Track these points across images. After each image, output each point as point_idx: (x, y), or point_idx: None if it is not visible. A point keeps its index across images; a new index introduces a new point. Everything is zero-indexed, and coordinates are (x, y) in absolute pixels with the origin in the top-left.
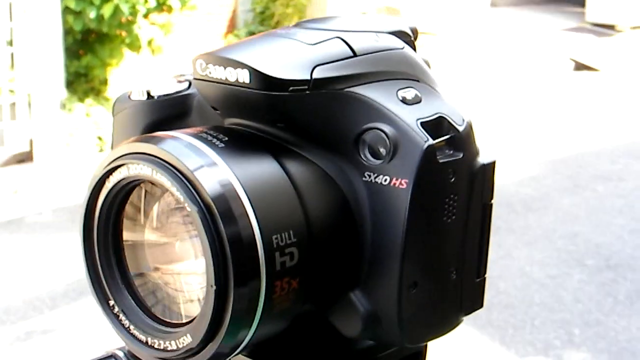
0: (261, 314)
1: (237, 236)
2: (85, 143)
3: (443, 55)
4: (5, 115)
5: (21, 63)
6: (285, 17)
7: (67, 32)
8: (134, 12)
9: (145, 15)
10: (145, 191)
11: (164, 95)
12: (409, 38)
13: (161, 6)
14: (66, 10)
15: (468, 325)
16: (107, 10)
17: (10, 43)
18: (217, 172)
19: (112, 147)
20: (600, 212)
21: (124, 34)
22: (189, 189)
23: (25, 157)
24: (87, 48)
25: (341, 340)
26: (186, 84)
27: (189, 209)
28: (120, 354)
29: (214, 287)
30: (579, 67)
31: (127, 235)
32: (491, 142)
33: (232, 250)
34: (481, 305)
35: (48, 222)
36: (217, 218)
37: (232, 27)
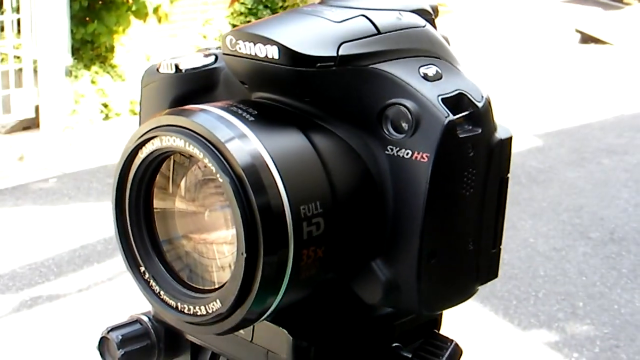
0: (288, 281)
1: (266, 206)
2: (90, 110)
3: (444, 28)
4: (11, 82)
5: (27, 30)
6: None
7: None
8: None
9: None
10: (174, 162)
11: (192, 69)
12: (429, 16)
13: None
14: None
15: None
16: None
17: (17, 10)
18: (248, 143)
19: (139, 118)
20: (605, 185)
21: (130, 1)
22: (221, 160)
23: (31, 124)
24: (94, 15)
25: (361, 307)
26: (212, 58)
27: (220, 180)
28: (145, 318)
29: (244, 255)
30: (586, 39)
31: (157, 204)
32: (497, 114)
33: (262, 219)
34: (496, 275)
35: (53, 188)
36: (248, 188)
37: None
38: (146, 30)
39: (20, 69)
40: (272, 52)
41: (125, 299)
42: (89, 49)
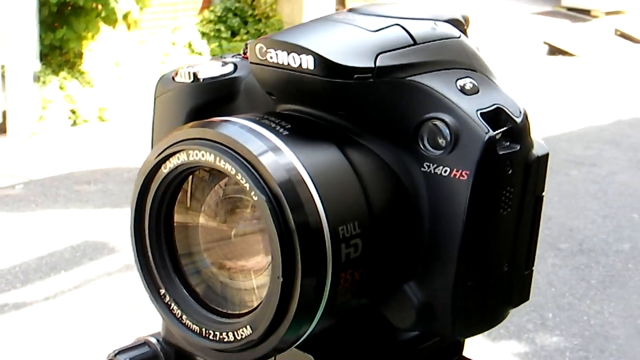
0: (325, 306)
1: (304, 224)
2: (58, 116)
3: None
4: None
5: None
6: None
7: (43, 3)
8: None
9: None
10: (194, 177)
11: (211, 78)
12: (462, 26)
13: None
14: None
15: None
16: None
17: None
18: (282, 157)
19: (152, 130)
20: (573, 196)
21: (99, 7)
22: (255, 176)
23: None
24: (62, 21)
25: (387, 332)
26: (232, 67)
27: (255, 198)
28: (154, 340)
29: (281, 279)
30: (553, 51)
31: (178, 218)
32: None
33: (300, 239)
34: (527, 298)
35: (20, 195)
36: (285, 207)
37: (207, 2)
38: (115, 37)
39: None
40: (307, 62)
41: (92, 307)
42: (57, 54)
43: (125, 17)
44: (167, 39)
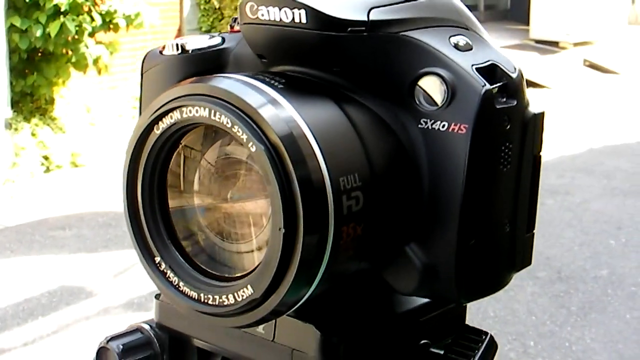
0: (327, 261)
1: (306, 177)
2: (31, 163)
3: None
4: None
5: None
6: None
7: (13, 50)
8: (80, 30)
9: (92, 34)
10: (184, 157)
11: (199, 49)
12: None
13: (107, 24)
14: (11, 28)
15: None
16: (53, 29)
17: None
18: (282, 110)
19: (140, 108)
20: (549, 225)
21: (70, 52)
22: (254, 128)
23: None
24: (33, 67)
25: (387, 302)
26: (219, 39)
27: (253, 149)
28: (147, 327)
29: (283, 231)
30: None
31: (172, 203)
32: None
33: (302, 193)
34: (530, 263)
35: None
36: (285, 158)
37: None
38: (86, 82)
39: None
40: (300, 16)
41: (70, 352)
42: (28, 101)
43: (95, 62)
44: (138, 83)
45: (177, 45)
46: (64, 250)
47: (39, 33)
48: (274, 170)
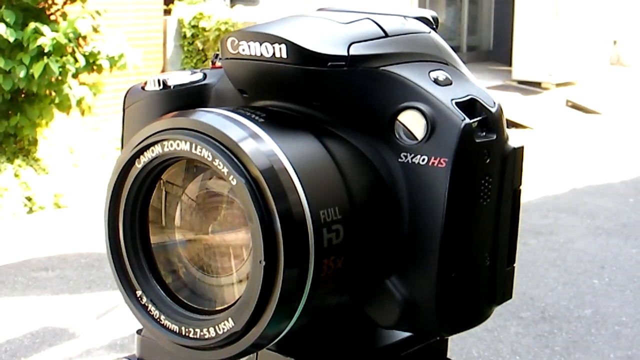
0: (308, 294)
1: (287, 211)
2: (14, 204)
3: None
4: None
5: None
6: None
7: None
8: (64, 71)
9: (75, 75)
10: (166, 193)
11: (180, 85)
12: (431, 25)
13: (91, 65)
14: None
15: None
16: (36, 70)
17: None
18: (262, 144)
19: (122, 144)
20: (533, 265)
21: (53, 93)
22: (234, 161)
23: None
24: (16, 108)
25: (368, 337)
26: (201, 75)
27: (233, 182)
28: None
29: (263, 263)
30: (507, 124)
31: (154, 239)
32: None
33: (282, 225)
34: (510, 296)
35: None
36: (266, 192)
37: None
38: (69, 124)
39: None
40: (281, 51)
41: None
42: (11, 142)
43: (79, 103)
44: (120, 119)
45: (158, 81)
46: (46, 291)
47: (22, 74)
48: (254, 203)
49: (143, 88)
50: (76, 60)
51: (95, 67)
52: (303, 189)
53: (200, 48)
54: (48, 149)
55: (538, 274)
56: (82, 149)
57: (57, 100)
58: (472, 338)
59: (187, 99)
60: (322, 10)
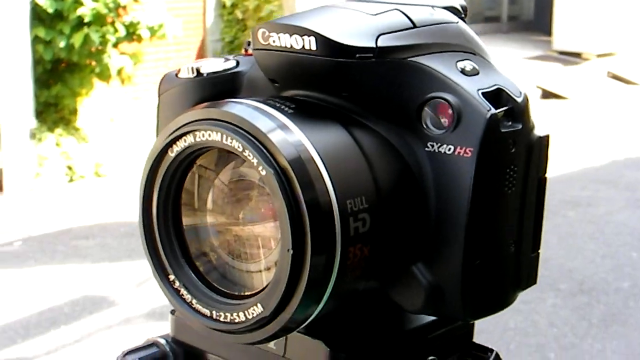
0: (334, 281)
1: (314, 200)
2: (55, 173)
3: None
4: None
5: None
6: None
7: (37, 61)
8: (104, 41)
9: (115, 45)
10: (199, 176)
11: (213, 73)
12: (460, 14)
13: (131, 35)
14: (36, 39)
15: None
16: (77, 40)
17: None
18: (291, 135)
19: (157, 129)
20: (571, 237)
21: (93, 63)
22: (263, 152)
23: None
24: (57, 77)
25: (395, 319)
26: (234, 62)
27: (263, 173)
28: (162, 341)
29: (291, 252)
30: (546, 95)
31: (185, 221)
32: None
33: (310, 214)
34: (535, 282)
35: (18, 251)
36: (294, 181)
37: (201, 56)
38: (109, 93)
39: None
40: (310, 43)
41: None
42: (52, 111)
43: (119, 72)
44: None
45: (192, 68)
46: (87, 259)
47: (62, 44)
48: (282, 193)
49: (177, 75)
50: (116, 30)
51: (135, 37)
52: (330, 178)
53: (240, 17)
54: (88, 118)
55: (576, 246)
56: (122, 118)
57: (97, 70)
58: (510, 310)
59: (220, 86)
60: (352, 1)
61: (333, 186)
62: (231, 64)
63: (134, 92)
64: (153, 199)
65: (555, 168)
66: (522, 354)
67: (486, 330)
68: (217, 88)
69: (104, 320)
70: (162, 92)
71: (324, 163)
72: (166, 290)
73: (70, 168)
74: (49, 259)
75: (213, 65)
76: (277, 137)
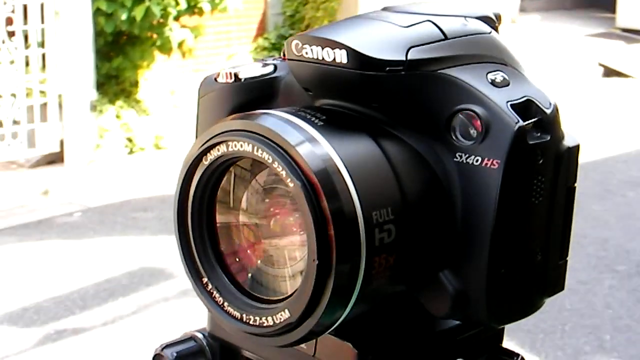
0: (360, 289)
1: (339, 211)
2: (115, 145)
3: None
4: (36, 116)
5: (52, 64)
6: (316, 21)
7: (99, 33)
8: (165, 14)
9: (176, 18)
10: (235, 175)
11: (251, 78)
12: (493, 24)
13: (192, 8)
14: (97, 12)
15: None
16: (138, 12)
17: (42, 44)
18: (319, 147)
19: (196, 130)
20: (630, 218)
21: (155, 36)
22: (292, 164)
23: (55, 158)
24: (118, 50)
25: (424, 321)
26: (272, 67)
27: (291, 185)
28: (200, 335)
29: (316, 262)
30: (609, 72)
31: (219, 218)
32: None
33: (335, 226)
34: (562, 288)
35: (78, 222)
36: (320, 193)
37: (262, 30)
38: (170, 65)
39: (45, 104)
40: (341, 56)
41: (149, 333)
42: (113, 83)
43: (180, 45)
44: (222, 66)
45: (230, 73)
46: (145, 231)
47: (124, 17)
48: (309, 204)
49: (216, 79)
50: (177, 3)
51: (196, 10)
52: (356, 190)
53: None
54: (149, 90)
55: (635, 227)
56: (182, 91)
57: (158, 43)
58: (566, 290)
59: (258, 91)
60: (386, 11)
61: (359, 198)
62: (269, 69)
63: (195, 65)
64: (188, 208)
65: (616, 147)
66: (577, 334)
67: (542, 310)
68: (254, 93)
69: (161, 292)
70: (202, 95)
71: (350, 175)
72: (199, 292)
73: (130, 140)
74: (108, 230)
75: (251, 70)
76: (304, 150)
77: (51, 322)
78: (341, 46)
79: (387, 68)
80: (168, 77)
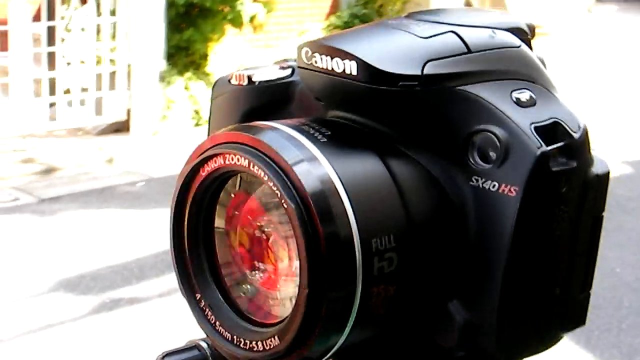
0: (354, 320)
1: (334, 236)
2: (182, 116)
3: (540, 50)
4: (104, 84)
5: (123, 33)
6: (389, 1)
7: (171, 4)
8: None
9: None
10: (241, 179)
11: (265, 82)
12: (525, 36)
13: None
14: None
15: None
16: None
17: (113, 12)
18: (317, 167)
19: (208, 132)
20: None
21: (226, 9)
22: (287, 184)
23: (121, 127)
24: (190, 22)
25: (428, 350)
26: (289, 71)
27: (285, 206)
28: (204, 345)
29: (307, 290)
30: None
31: (218, 222)
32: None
33: (329, 252)
34: (583, 323)
35: (140, 192)
36: (315, 216)
37: (334, 7)
38: (241, 40)
39: (114, 72)
40: (350, 68)
41: None
42: (183, 55)
43: (251, 20)
44: (293, 43)
45: (244, 76)
46: None
47: None
48: (302, 227)
49: (229, 81)
50: None
51: None
52: (354, 214)
53: None
54: (218, 63)
55: None
56: (252, 65)
57: (230, 16)
58: (625, 288)
59: (272, 95)
60: (409, 18)
61: (357, 222)
62: (286, 72)
63: (265, 40)
64: (184, 220)
65: None
66: (633, 333)
67: (599, 307)
68: (268, 97)
69: None
70: (215, 96)
71: (349, 198)
72: (192, 309)
73: (197, 112)
74: (170, 202)
75: (267, 73)
76: (301, 169)
77: (108, 290)
78: (351, 57)
79: (400, 83)
80: (238, 51)
